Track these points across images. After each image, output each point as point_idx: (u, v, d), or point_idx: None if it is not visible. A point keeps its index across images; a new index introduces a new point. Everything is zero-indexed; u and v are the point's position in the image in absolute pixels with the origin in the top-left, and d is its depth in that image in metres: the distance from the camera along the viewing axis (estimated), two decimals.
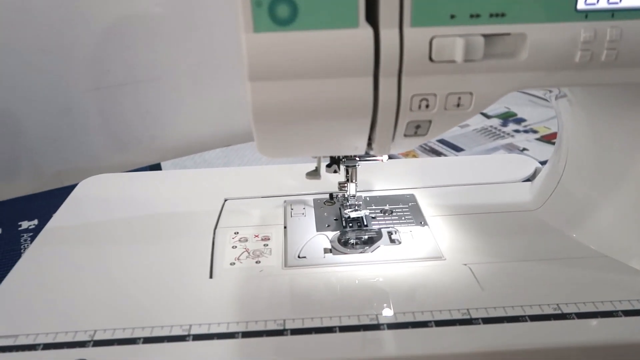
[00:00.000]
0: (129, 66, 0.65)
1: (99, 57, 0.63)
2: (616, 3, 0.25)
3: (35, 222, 0.56)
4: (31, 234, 0.54)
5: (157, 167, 0.65)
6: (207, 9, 0.66)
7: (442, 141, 0.72)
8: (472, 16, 0.25)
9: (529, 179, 0.43)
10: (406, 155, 0.64)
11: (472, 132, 0.75)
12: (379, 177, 0.44)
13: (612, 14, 0.25)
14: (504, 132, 0.74)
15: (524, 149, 0.67)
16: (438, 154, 0.67)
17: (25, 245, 0.51)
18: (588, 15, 0.25)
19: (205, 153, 0.70)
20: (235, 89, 0.72)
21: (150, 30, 0.64)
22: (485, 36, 0.25)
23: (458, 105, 0.27)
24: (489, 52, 0.26)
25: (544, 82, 0.26)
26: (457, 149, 0.69)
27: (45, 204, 0.59)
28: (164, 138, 0.70)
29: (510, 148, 0.68)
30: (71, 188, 0.53)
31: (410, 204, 0.40)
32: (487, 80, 0.26)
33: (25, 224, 0.56)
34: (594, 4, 0.25)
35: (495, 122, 0.77)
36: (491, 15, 0.25)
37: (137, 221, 0.38)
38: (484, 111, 0.81)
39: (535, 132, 0.72)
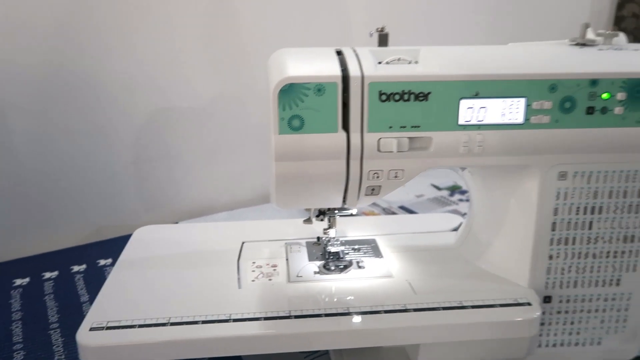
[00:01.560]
0: (159, 146, 0.84)
1: (138, 138, 0.81)
2: (481, 121, 0.45)
3: (84, 266, 0.72)
4: (83, 274, 0.69)
5: None
6: (219, 104, 0.87)
7: (402, 207, 0.91)
8: (401, 127, 0.44)
9: (455, 229, 0.61)
10: (372, 214, 0.83)
11: (426, 201, 0.94)
12: (352, 228, 0.61)
13: (479, 127, 0.45)
14: (451, 200, 0.94)
15: (465, 214, 0.86)
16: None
17: (80, 285, 0.67)
18: (465, 127, 0.45)
19: (214, 215, 0.88)
20: (240, 165, 0.91)
21: (178, 119, 0.84)
22: (409, 138, 0.44)
23: (395, 176, 0.45)
24: (412, 146, 0.44)
25: (444, 164, 0.45)
26: (413, 213, 0.88)
27: (90, 252, 0.75)
28: (181, 202, 0.88)
29: (455, 213, 0.87)
30: (111, 241, 0.70)
31: (372, 245, 0.57)
32: (411, 163, 0.45)
33: (75, 268, 0.72)
34: (469, 120, 0.45)
35: (445, 192, 0.97)
36: (412, 127, 0.44)
37: (184, 256, 0.55)
38: (436, 184, 1.01)
39: None
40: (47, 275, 0.69)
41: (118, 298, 0.48)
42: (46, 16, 0.70)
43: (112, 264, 0.71)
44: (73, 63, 0.74)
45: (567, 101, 0.44)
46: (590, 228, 0.48)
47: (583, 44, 0.48)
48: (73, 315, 0.60)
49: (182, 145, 0.85)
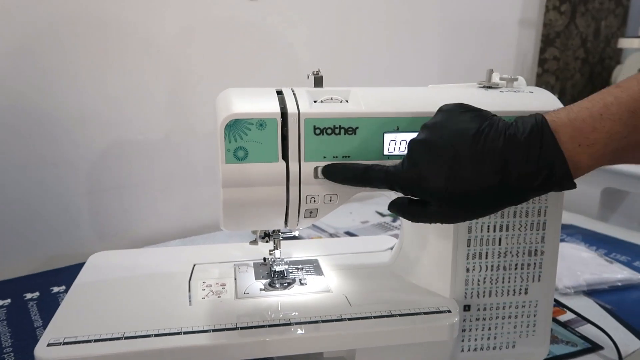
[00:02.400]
0: (113, 177, 0.87)
1: (91, 169, 0.85)
2: (403, 151, 0.52)
3: (37, 293, 0.74)
4: (36, 301, 0.71)
5: None
6: (171, 137, 0.91)
7: (348, 232, 0.97)
8: (334, 157, 0.50)
9: (390, 249, 0.68)
10: (318, 238, 0.89)
11: (370, 226, 1.01)
12: (297, 249, 0.67)
13: (401, 157, 0.52)
14: (393, 226, 1.01)
15: None
16: None
17: (33, 311, 0.69)
18: (389, 156, 0.51)
19: (166, 242, 0.91)
20: (191, 195, 0.95)
21: (133, 150, 0.88)
22: None
23: (330, 200, 0.52)
24: None
25: (372, 190, 0.52)
26: None
27: (43, 280, 0.77)
28: (135, 231, 0.91)
29: (396, 237, 0.93)
30: (64, 269, 0.73)
31: (314, 264, 0.63)
32: (344, 188, 0.51)
33: (29, 295, 0.73)
34: (392, 151, 0.51)
35: (388, 219, 1.04)
36: (343, 157, 0.51)
37: (138, 277, 0.59)
38: (380, 211, 1.08)
39: None
40: (0, 302, 0.70)
41: (74, 317, 0.51)
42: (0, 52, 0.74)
43: (66, 291, 0.73)
44: (26, 97, 0.77)
45: None
46: (500, 244, 0.56)
47: (489, 86, 0.57)
48: (27, 340, 0.62)
49: (135, 177, 0.89)
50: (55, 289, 0.74)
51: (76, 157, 0.83)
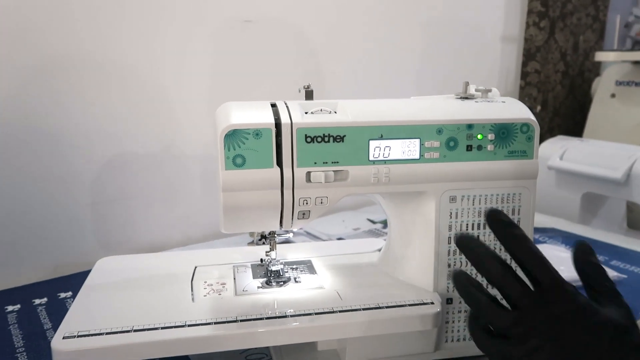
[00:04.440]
0: (116, 188, 0.91)
1: (96, 181, 0.89)
2: (387, 157, 0.57)
3: (45, 299, 0.78)
4: (44, 306, 0.75)
5: None
6: (172, 149, 0.96)
7: (340, 239, 1.01)
8: (324, 162, 0.55)
9: (379, 250, 0.73)
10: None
11: (362, 233, 1.05)
12: (292, 251, 0.71)
13: (385, 162, 0.57)
14: (384, 232, 1.05)
15: None
16: None
17: (42, 315, 0.73)
18: (374, 162, 0.56)
19: (168, 251, 0.95)
20: (192, 205, 1.00)
21: (135, 162, 0.92)
22: (334, 171, 0.56)
23: (321, 202, 0.56)
24: (335, 178, 0.56)
25: (359, 192, 0.57)
26: None
27: (50, 287, 0.81)
28: (137, 240, 0.95)
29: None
30: (70, 276, 0.77)
31: (308, 264, 0.67)
32: (333, 191, 0.56)
33: (37, 301, 0.77)
34: (377, 157, 0.56)
35: (379, 225, 1.09)
36: (332, 162, 0.55)
37: (143, 278, 0.63)
38: (371, 218, 1.13)
39: None
40: (10, 308, 0.74)
41: (86, 314, 0.55)
42: (9, 69, 0.79)
43: (73, 297, 0.77)
44: (37, 115, 0.82)
45: (451, 141, 0.57)
46: None
47: (465, 97, 0.62)
48: (38, 340, 0.65)
49: (137, 188, 0.93)
50: (63, 295, 0.78)
51: (82, 170, 0.87)
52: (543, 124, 1.61)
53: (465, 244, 0.47)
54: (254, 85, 1.02)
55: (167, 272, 0.65)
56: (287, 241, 0.66)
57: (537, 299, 0.43)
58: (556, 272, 0.44)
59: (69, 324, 0.53)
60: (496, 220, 0.47)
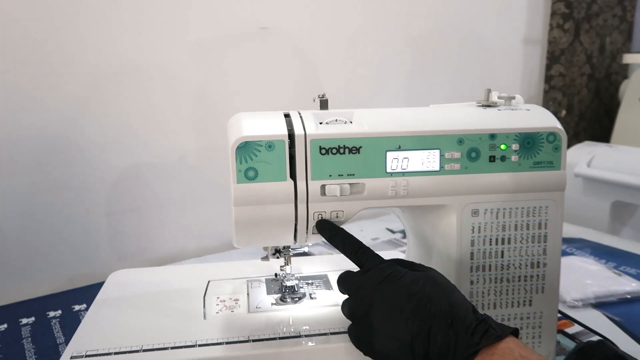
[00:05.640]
0: (130, 199, 0.91)
1: (110, 193, 0.88)
2: (405, 169, 0.54)
3: (60, 312, 0.77)
4: (58, 319, 0.74)
5: None
6: (186, 160, 0.95)
7: None
8: (339, 175, 0.53)
9: None
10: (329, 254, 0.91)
11: (381, 243, 1.03)
12: (307, 265, 0.69)
13: (403, 174, 0.54)
14: (403, 242, 1.03)
15: None
16: None
17: (56, 328, 0.72)
18: (392, 174, 0.54)
19: (182, 262, 0.94)
20: (205, 216, 0.98)
21: (149, 173, 0.91)
22: (350, 184, 0.53)
23: (337, 217, 0.54)
24: (351, 191, 0.53)
25: (376, 205, 0.54)
26: None
27: (65, 299, 0.80)
28: (152, 251, 0.94)
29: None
30: (84, 288, 0.76)
31: (324, 279, 0.65)
32: (349, 205, 0.54)
33: (51, 313, 0.76)
34: (394, 169, 0.54)
35: (398, 235, 1.06)
36: (348, 175, 0.53)
37: (155, 294, 0.62)
38: (391, 228, 1.10)
39: None
40: (24, 321, 0.74)
41: (95, 332, 0.54)
42: (22, 82, 0.79)
43: (87, 309, 0.76)
44: (52, 129, 0.82)
45: (473, 151, 0.54)
46: (502, 256, 0.57)
47: (487, 105, 0.59)
48: (51, 355, 0.64)
49: (151, 199, 0.92)
50: (77, 307, 0.77)
51: (96, 181, 0.86)
52: (568, 129, 1.56)
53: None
54: (268, 94, 1.01)
55: (180, 287, 0.63)
56: (303, 253, 0.63)
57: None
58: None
59: (77, 341, 0.52)
60: (321, 228, 0.54)
